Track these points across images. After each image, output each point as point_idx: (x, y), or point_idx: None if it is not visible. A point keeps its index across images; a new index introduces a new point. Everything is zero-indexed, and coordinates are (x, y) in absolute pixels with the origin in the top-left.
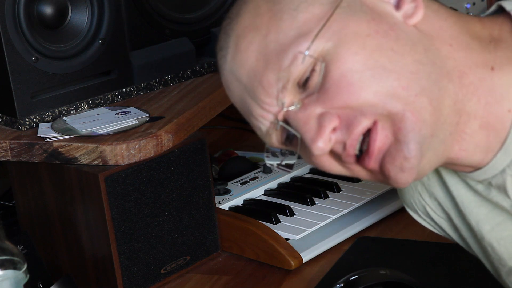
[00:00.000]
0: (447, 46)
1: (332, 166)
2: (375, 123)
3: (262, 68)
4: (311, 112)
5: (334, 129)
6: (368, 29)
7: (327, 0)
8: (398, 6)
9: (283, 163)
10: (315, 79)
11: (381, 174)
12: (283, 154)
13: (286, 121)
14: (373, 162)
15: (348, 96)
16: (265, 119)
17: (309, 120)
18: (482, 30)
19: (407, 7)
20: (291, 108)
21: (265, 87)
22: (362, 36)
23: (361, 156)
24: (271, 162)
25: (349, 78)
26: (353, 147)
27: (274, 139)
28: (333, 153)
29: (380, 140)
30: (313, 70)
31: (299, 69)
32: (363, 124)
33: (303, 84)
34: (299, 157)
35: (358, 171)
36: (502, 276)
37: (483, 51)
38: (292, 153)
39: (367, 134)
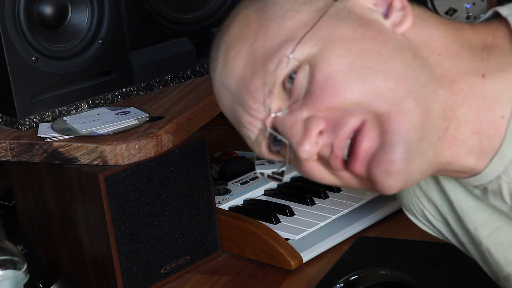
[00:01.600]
0: (436, 56)
1: (323, 174)
2: (363, 123)
3: (250, 75)
4: (298, 117)
5: (321, 133)
6: (354, 34)
7: (314, 8)
8: (386, 15)
9: (273, 172)
10: (299, 80)
11: (368, 179)
12: (272, 163)
13: (274, 128)
14: (359, 165)
15: (333, 97)
16: (253, 126)
17: (295, 124)
18: (475, 37)
19: (395, 15)
20: (279, 114)
21: (252, 93)
22: (348, 40)
23: (348, 160)
24: (261, 171)
25: (333, 80)
26: (340, 149)
27: (264, 148)
28: (322, 161)
29: (367, 141)
30: (296, 71)
31: (284, 73)
32: (351, 124)
33: (288, 90)
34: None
35: (347, 178)
36: (500, 280)
37: (474, 59)
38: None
39: (354, 139)
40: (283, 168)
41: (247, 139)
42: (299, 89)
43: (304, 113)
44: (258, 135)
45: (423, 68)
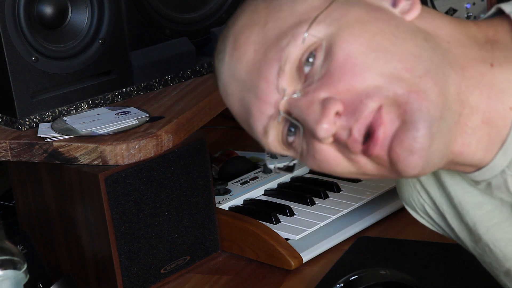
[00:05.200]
0: (445, 43)
1: (338, 161)
2: (380, 107)
3: (261, 56)
4: (315, 97)
5: (338, 114)
6: (368, 17)
7: None
8: (394, 4)
9: (284, 165)
10: (318, 62)
11: (389, 162)
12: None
13: (287, 112)
14: (379, 148)
15: (353, 78)
16: (263, 113)
17: (312, 104)
18: (477, 31)
19: (403, 4)
20: (294, 95)
21: (263, 74)
22: (363, 21)
23: (366, 144)
24: (272, 165)
25: (353, 60)
26: (360, 133)
27: (272, 138)
28: (337, 145)
29: (385, 124)
30: (314, 54)
31: (297, 50)
32: (370, 107)
33: (305, 75)
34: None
35: (364, 164)
36: (499, 276)
37: (480, 49)
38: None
39: (372, 123)
40: (294, 162)
41: (255, 131)
42: (316, 68)
43: (322, 94)
44: (267, 123)
45: (435, 50)
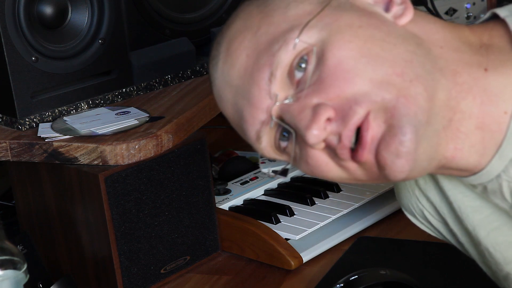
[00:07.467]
0: (438, 48)
1: (329, 167)
2: (368, 113)
3: (253, 62)
4: (306, 103)
5: (329, 120)
6: (360, 22)
7: (316, 0)
8: (387, 9)
9: (278, 169)
10: (310, 68)
11: (377, 166)
12: (273, 161)
13: (279, 118)
14: (366, 153)
15: (344, 84)
16: (256, 118)
17: (303, 110)
18: (471, 35)
19: (396, 8)
20: (286, 101)
21: (255, 80)
22: (355, 27)
23: (355, 150)
24: (265, 169)
25: (344, 65)
26: (349, 139)
27: (265, 142)
28: (328, 151)
29: (373, 129)
30: (306, 59)
31: (289, 55)
32: (359, 114)
33: (296, 81)
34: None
35: (354, 169)
36: (499, 279)
37: (474, 54)
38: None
39: (360, 128)
40: (288, 166)
41: (248, 136)
42: (307, 74)
43: (314, 100)
44: (260, 129)
45: (426, 56)
